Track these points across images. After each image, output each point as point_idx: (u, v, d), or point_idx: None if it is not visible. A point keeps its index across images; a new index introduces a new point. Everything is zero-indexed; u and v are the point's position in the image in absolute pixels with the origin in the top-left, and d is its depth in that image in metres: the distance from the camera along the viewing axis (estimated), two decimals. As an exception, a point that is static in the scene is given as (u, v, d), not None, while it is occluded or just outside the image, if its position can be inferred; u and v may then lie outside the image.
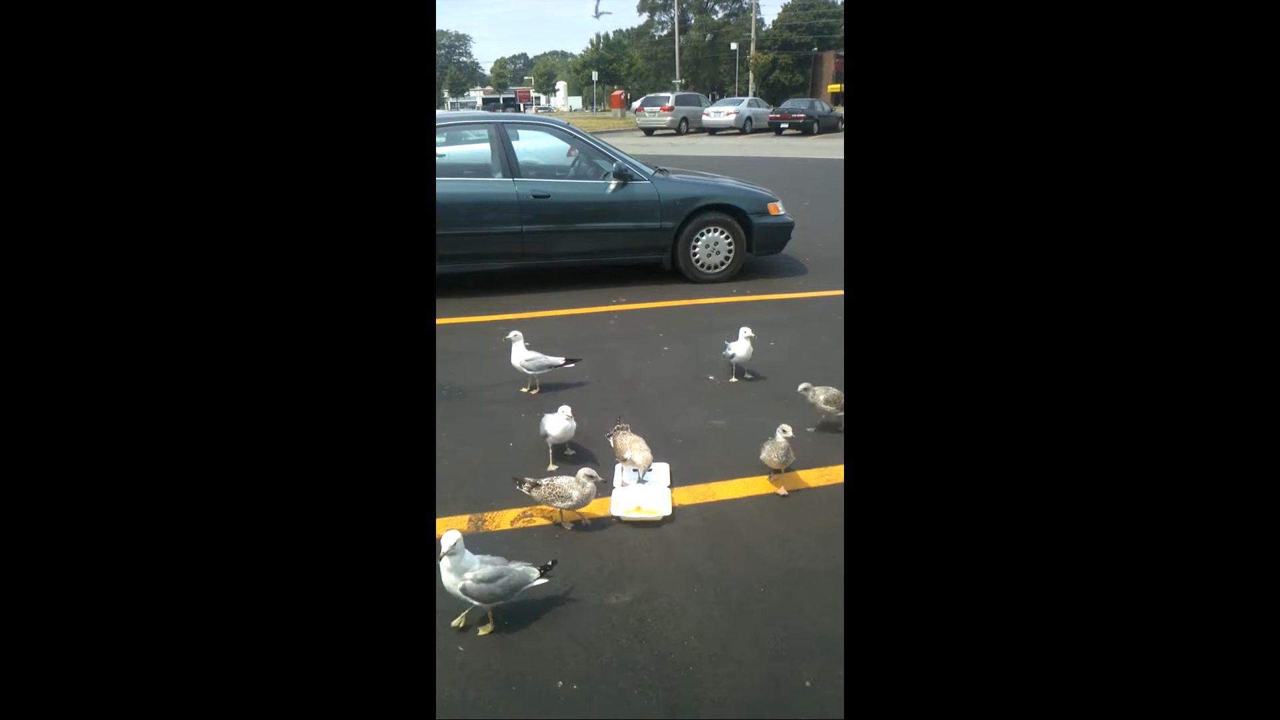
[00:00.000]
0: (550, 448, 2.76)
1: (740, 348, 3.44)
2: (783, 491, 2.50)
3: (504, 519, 2.36)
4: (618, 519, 2.34)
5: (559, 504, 2.21)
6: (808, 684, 1.68)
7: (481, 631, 1.85)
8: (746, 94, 37.30)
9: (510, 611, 1.92)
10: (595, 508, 2.40)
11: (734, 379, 3.57)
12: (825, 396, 2.92)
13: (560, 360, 3.35)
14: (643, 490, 2.47)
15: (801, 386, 2.95)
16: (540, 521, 2.35)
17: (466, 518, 2.36)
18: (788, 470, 2.57)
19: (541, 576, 1.91)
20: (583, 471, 2.25)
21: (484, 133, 5.11)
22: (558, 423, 2.66)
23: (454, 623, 1.86)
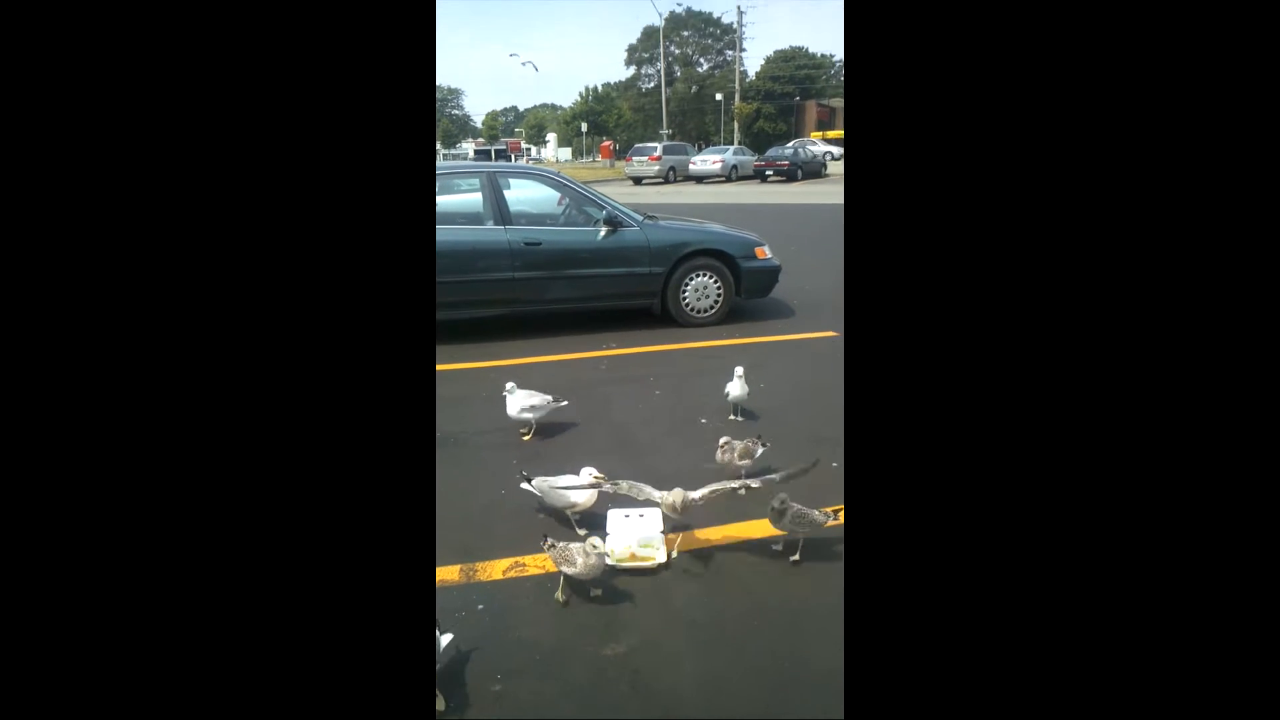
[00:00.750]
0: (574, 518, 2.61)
1: (735, 387, 3.50)
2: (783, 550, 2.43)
3: (496, 569, 2.33)
4: (612, 567, 2.31)
5: (564, 568, 2.15)
6: (808, 734, 1.64)
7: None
8: (732, 143, 38.14)
9: (505, 664, 1.88)
10: (589, 555, 2.37)
11: (731, 416, 3.60)
12: (739, 451, 2.81)
13: (551, 398, 3.39)
14: (637, 536, 2.44)
15: (722, 441, 2.83)
16: (534, 571, 2.31)
17: (458, 567, 2.32)
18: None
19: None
20: (591, 540, 2.13)
21: (476, 181, 5.20)
22: (582, 494, 2.52)
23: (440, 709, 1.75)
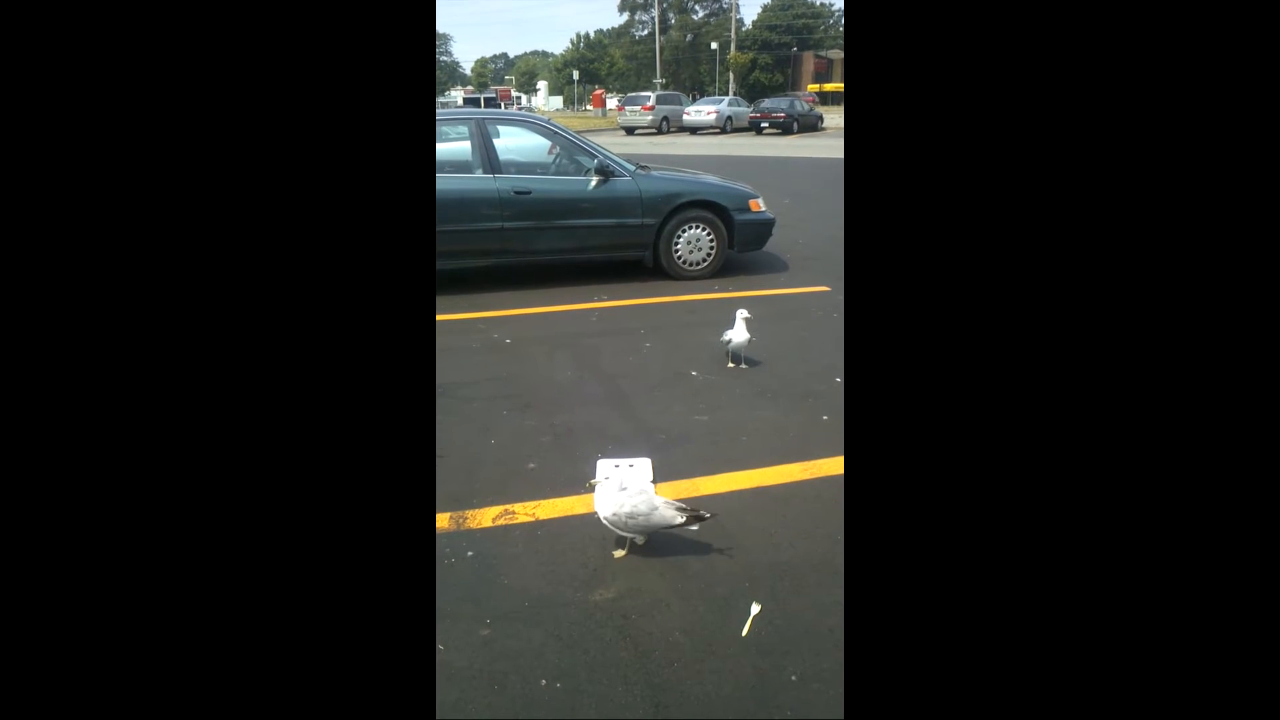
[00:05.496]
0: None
1: (737, 332, 3.46)
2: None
3: (485, 517, 2.33)
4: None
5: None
6: (793, 679, 1.66)
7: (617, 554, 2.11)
8: (727, 93, 37.40)
9: (494, 610, 1.89)
10: (578, 505, 2.38)
11: (731, 364, 3.60)
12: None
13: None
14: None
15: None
16: (523, 519, 2.32)
17: (448, 515, 2.33)
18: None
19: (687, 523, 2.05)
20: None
21: (464, 129, 5.06)
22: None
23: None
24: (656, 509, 2.04)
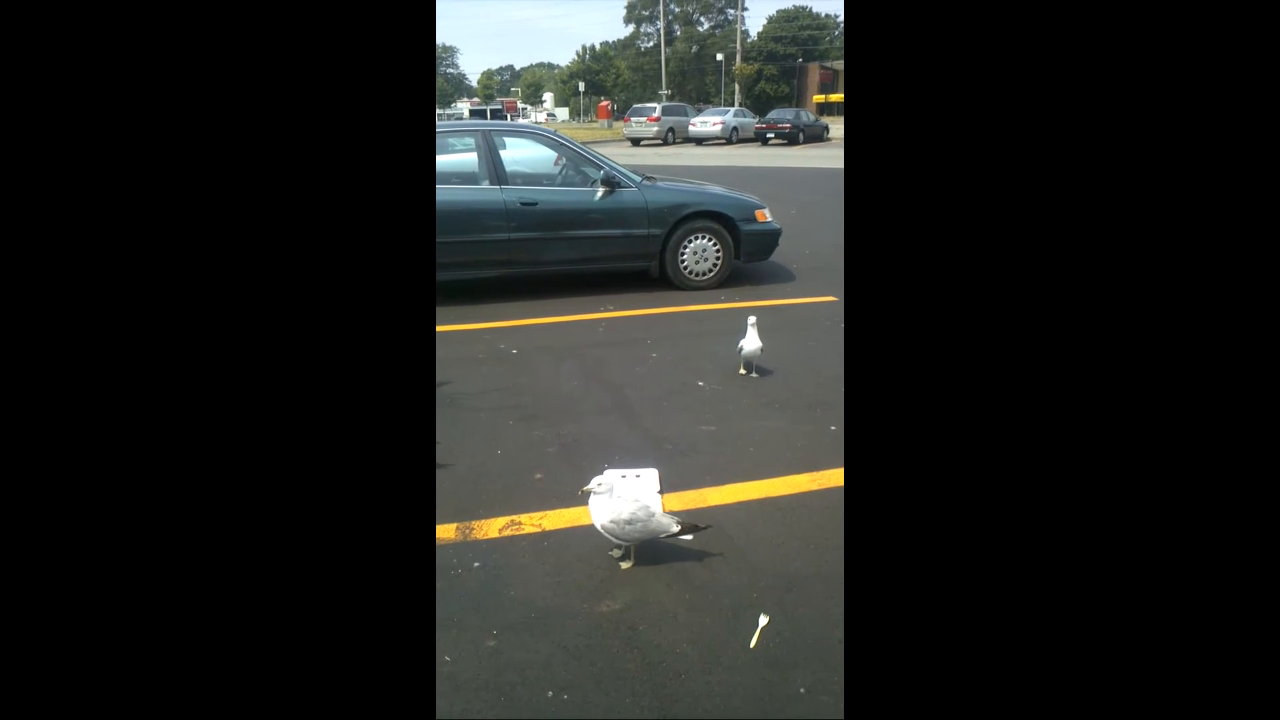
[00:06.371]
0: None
1: (750, 340, 3.49)
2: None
3: (492, 527, 2.33)
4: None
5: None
6: (801, 690, 1.65)
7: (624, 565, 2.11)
8: (732, 104, 37.58)
9: (501, 621, 1.89)
10: (585, 516, 2.37)
11: (742, 372, 3.63)
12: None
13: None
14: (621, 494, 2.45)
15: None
16: (529, 530, 2.32)
17: (454, 526, 2.33)
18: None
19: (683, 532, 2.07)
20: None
21: (471, 141, 5.10)
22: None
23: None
24: (654, 515, 2.06)
